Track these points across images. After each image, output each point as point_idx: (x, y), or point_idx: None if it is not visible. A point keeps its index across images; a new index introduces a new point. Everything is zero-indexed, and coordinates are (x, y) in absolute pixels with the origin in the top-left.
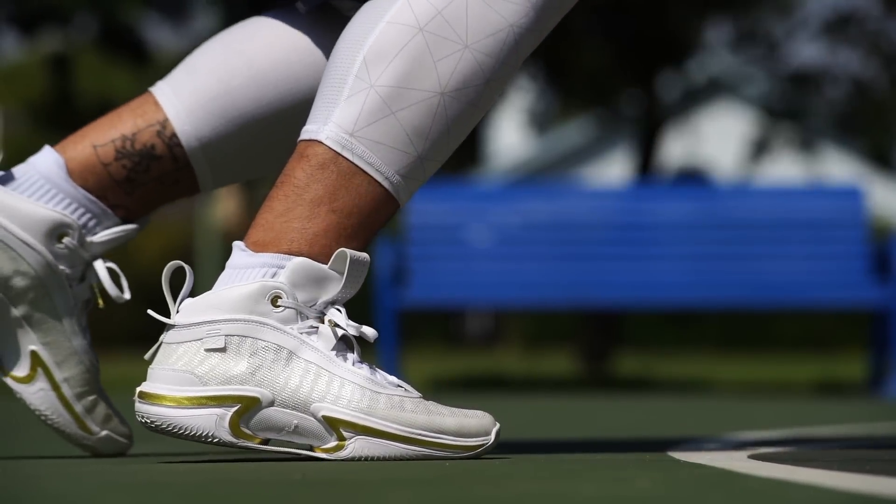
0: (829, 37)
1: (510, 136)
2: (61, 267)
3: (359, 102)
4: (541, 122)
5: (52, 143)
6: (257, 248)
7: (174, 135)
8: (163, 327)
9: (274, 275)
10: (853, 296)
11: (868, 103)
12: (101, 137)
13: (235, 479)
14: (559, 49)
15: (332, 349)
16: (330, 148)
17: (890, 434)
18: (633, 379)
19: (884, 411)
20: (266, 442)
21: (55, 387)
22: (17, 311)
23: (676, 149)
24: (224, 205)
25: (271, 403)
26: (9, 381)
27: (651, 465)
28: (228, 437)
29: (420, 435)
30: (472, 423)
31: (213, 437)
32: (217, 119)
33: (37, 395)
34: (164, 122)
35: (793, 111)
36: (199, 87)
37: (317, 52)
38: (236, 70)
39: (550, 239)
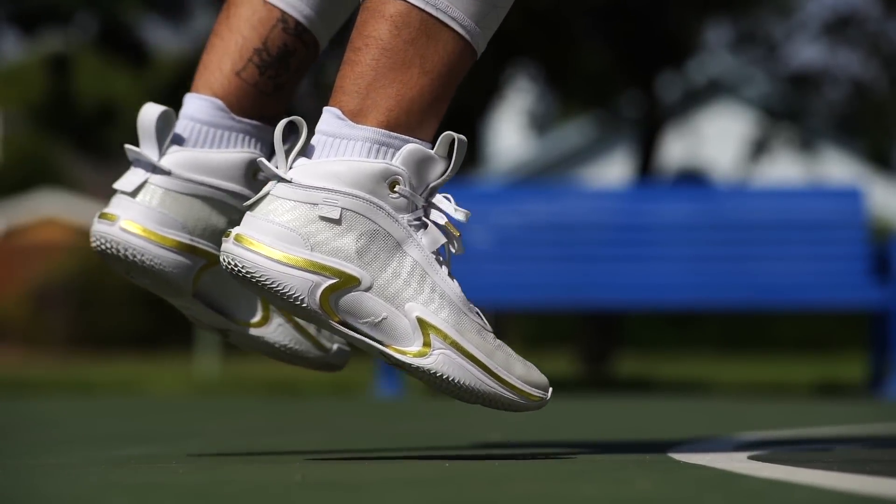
0: (828, 38)
1: (510, 138)
2: None
3: None
4: (541, 123)
5: (52, 145)
6: (356, 117)
7: (298, 23)
8: (158, 330)
9: (386, 154)
10: (853, 297)
11: (868, 104)
12: (238, 61)
13: (235, 480)
14: (559, 50)
15: (433, 252)
16: (413, 4)
17: (890, 435)
18: (634, 380)
19: (884, 412)
20: (343, 324)
21: (289, 318)
22: None
23: (676, 150)
24: None
25: (368, 288)
26: (249, 330)
27: (651, 466)
28: (315, 307)
29: (497, 369)
30: (535, 375)
31: (302, 300)
32: None
33: (277, 331)
34: (284, 17)
35: (793, 112)
36: None
37: None
38: None
39: (550, 240)
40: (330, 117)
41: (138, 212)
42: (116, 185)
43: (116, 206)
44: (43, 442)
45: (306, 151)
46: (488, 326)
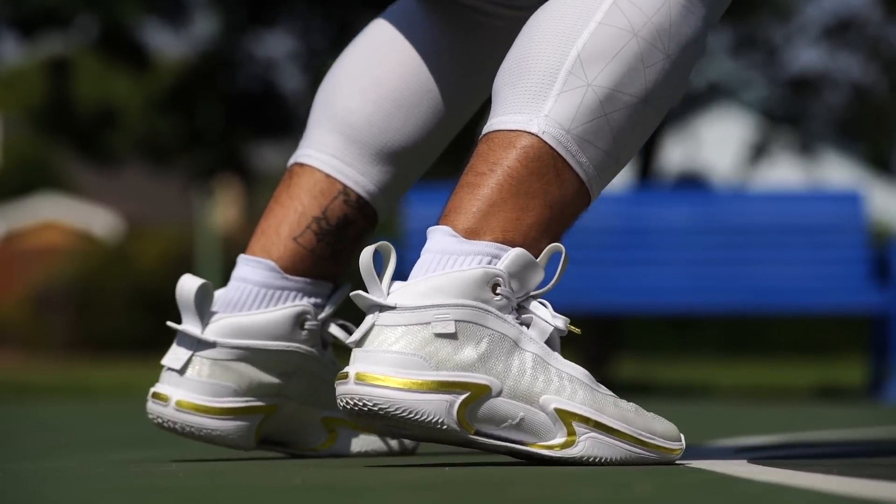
0: (828, 42)
1: None
2: (314, 348)
3: (575, 99)
4: None
5: (52, 149)
6: (470, 235)
7: (359, 197)
8: (158, 333)
9: (489, 262)
10: (853, 300)
11: (867, 108)
12: (297, 227)
13: (236, 483)
14: None
15: (546, 342)
16: (545, 142)
17: (890, 438)
18: (633, 383)
19: (883, 416)
20: (481, 434)
21: (353, 427)
22: (296, 402)
23: (676, 154)
24: (223, 211)
25: (499, 393)
26: (317, 453)
27: (651, 470)
28: (454, 425)
29: (641, 435)
30: (669, 427)
31: (443, 423)
32: (387, 164)
33: (347, 443)
34: (346, 191)
35: (792, 116)
36: (360, 143)
37: (445, 51)
38: (387, 111)
39: None
40: (440, 236)
41: (189, 388)
42: (164, 362)
43: (167, 383)
44: (42, 445)
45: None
46: (614, 393)
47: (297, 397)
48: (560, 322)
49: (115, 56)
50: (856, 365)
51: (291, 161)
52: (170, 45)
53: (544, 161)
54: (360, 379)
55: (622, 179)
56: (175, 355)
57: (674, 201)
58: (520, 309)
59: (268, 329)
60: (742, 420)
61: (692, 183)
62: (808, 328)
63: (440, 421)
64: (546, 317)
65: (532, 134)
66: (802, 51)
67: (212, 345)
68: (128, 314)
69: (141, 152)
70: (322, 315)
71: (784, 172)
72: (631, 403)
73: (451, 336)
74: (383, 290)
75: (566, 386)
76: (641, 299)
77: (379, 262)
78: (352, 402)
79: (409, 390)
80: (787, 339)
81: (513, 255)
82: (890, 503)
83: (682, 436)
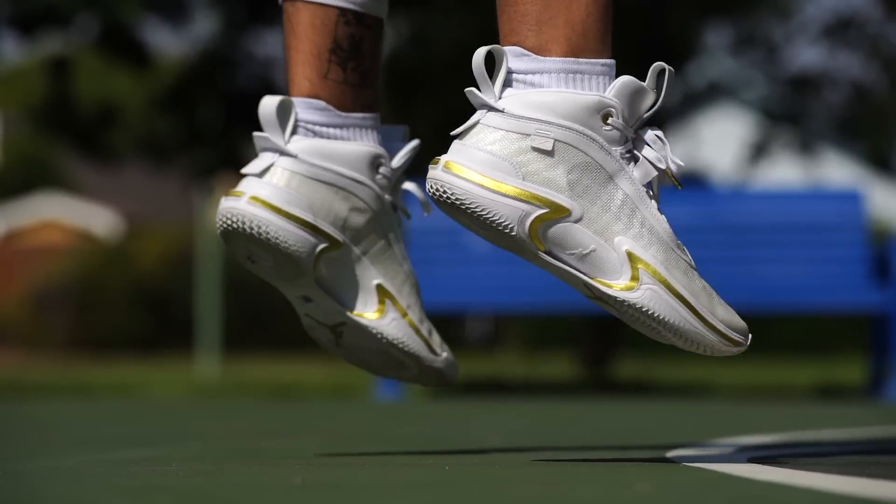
0: (828, 40)
1: None
2: (386, 195)
3: None
4: None
5: (52, 147)
6: (539, 52)
7: (355, 13)
8: (158, 332)
9: (583, 81)
10: (853, 299)
11: (868, 107)
12: (320, 66)
13: (236, 483)
14: None
15: (645, 185)
16: None
17: (890, 438)
18: (633, 383)
19: (884, 415)
20: (550, 254)
21: (403, 314)
22: (358, 250)
23: (676, 152)
24: None
25: (578, 220)
26: (360, 320)
27: (651, 469)
28: (524, 235)
29: (702, 310)
30: (736, 319)
31: (512, 228)
32: None
33: (391, 325)
34: (342, 12)
35: (792, 115)
36: None
37: None
38: None
39: None
40: (513, 55)
41: (265, 189)
42: (245, 170)
43: (244, 185)
44: (43, 444)
45: (509, 84)
46: (694, 265)
47: (360, 244)
48: (673, 166)
49: (116, 55)
50: (856, 364)
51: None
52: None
53: None
54: (447, 167)
55: None
56: (256, 163)
57: (673, 200)
58: (634, 144)
59: (347, 159)
60: (742, 419)
61: (692, 182)
62: (809, 327)
63: (511, 226)
64: (655, 158)
65: None
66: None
67: (293, 156)
68: (128, 313)
69: (141, 151)
70: (394, 164)
71: (784, 171)
72: (704, 282)
73: (547, 153)
74: (495, 92)
75: (645, 234)
76: None
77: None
78: (434, 187)
79: (489, 190)
80: (788, 338)
81: (619, 83)
82: (890, 502)
83: (750, 336)
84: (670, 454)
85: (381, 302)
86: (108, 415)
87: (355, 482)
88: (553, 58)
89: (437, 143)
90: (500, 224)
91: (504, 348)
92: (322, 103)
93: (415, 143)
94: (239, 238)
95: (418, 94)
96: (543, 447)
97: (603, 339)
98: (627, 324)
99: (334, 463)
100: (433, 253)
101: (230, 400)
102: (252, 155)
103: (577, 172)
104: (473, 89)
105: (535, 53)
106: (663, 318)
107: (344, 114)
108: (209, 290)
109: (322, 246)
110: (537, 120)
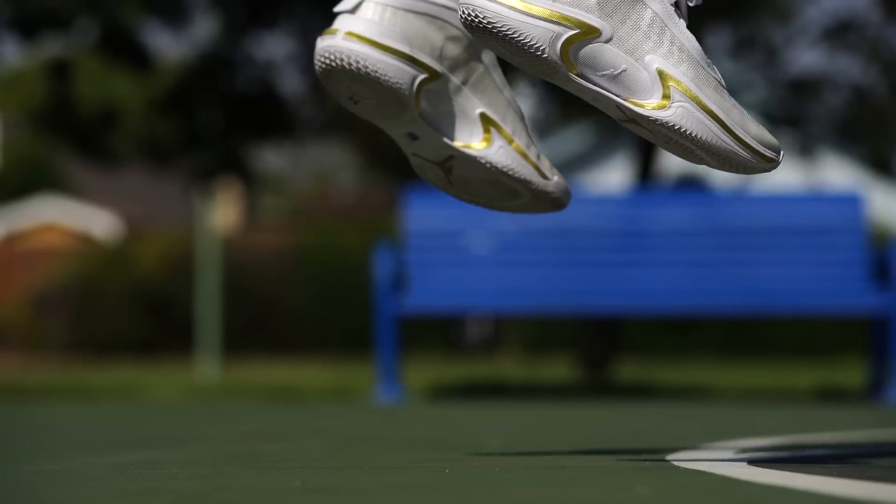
0: (828, 43)
1: None
2: None
3: None
4: (540, 128)
5: (52, 150)
6: None
7: None
8: (158, 335)
9: None
10: (853, 302)
11: (868, 110)
12: None
13: (235, 485)
14: None
15: (672, 3)
16: None
17: (889, 441)
18: (633, 386)
19: (883, 418)
20: (581, 77)
21: (510, 140)
22: (456, 79)
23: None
24: (224, 212)
25: (608, 40)
26: (467, 151)
27: (651, 472)
28: (555, 57)
29: (734, 126)
30: (767, 135)
31: (543, 51)
32: None
33: (499, 153)
34: None
35: (792, 118)
36: None
37: None
38: None
39: (550, 245)
40: None
41: (359, 23)
42: (337, 8)
43: (338, 22)
44: (43, 447)
45: None
46: (724, 83)
47: (458, 72)
48: None
49: (116, 57)
50: (856, 367)
51: None
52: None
53: None
54: None
55: (622, 181)
56: (347, 0)
57: (674, 203)
58: None
59: None
60: (742, 422)
61: (692, 185)
62: (808, 330)
63: (542, 48)
64: None
65: None
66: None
67: None
68: (128, 316)
69: (141, 154)
70: None
71: (784, 174)
72: (734, 100)
73: None
74: None
75: (675, 52)
76: (641, 301)
77: None
78: (466, 12)
79: (520, 12)
80: (787, 341)
81: None
82: None
83: (782, 153)
84: (670, 457)
85: (487, 131)
86: (108, 417)
87: (355, 485)
88: None
89: None
90: (531, 46)
91: (504, 351)
92: None
93: None
94: (339, 76)
95: None
96: (543, 450)
97: (602, 342)
98: (660, 146)
99: (334, 466)
100: (433, 255)
101: (230, 403)
102: (253, 160)
103: None
104: None
105: None
106: (696, 136)
107: None
108: (209, 292)
109: (421, 77)
110: None
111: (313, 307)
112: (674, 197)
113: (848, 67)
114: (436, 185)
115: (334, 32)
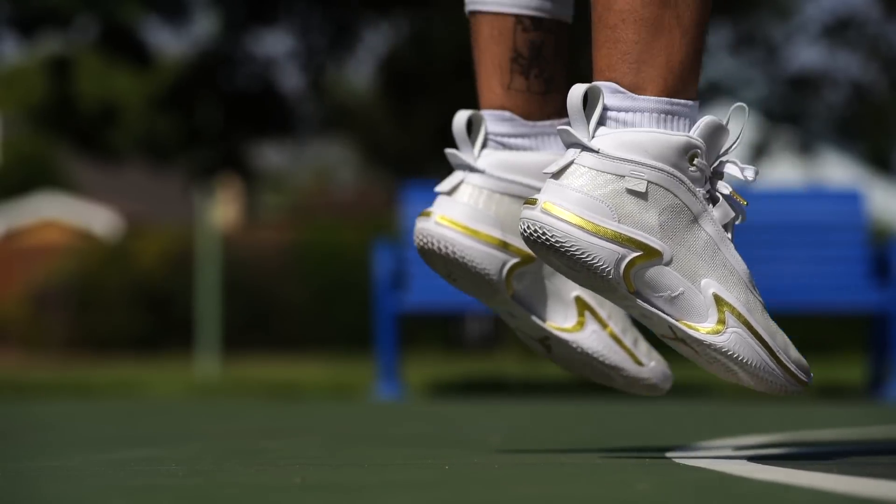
0: (828, 40)
1: None
2: None
3: None
4: None
5: (52, 147)
6: (636, 90)
7: (532, 18)
8: (158, 332)
9: (675, 122)
10: (853, 299)
11: (867, 107)
12: (502, 77)
13: (235, 482)
14: None
15: (724, 225)
16: None
17: (889, 438)
18: None
19: (883, 415)
20: (639, 297)
21: (604, 325)
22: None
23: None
24: (224, 209)
25: (668, 263)
26: (560, 334)
27: (651, 469)
28: (619, 278)
29: (779, 352)
30: (802, 359)
31: (609, 272)
32: None
33: (591, 338)
34: (519, 20)
35: (792, 115)
36: None
37: None
38: None
39: None
40: (608, 92)
41: (452, 207)
42: (437, 188)
43: (435, 204)
44: (42, 445)
45: (603, 122)
46: (765, 304)
47: None
48: (750, 172)
49: (116, 54)
50: (855, 364)
51: (467, 9)
52: (170, 43)
53: None
54: (546, 209)
55: None
56: (448, 181)
57: None
58: (713, 180)
59: (535, 169)
60: (741, 419)
61: None
62: (808, 327)
63: (608, 270)
64: (737, 172)
65: None
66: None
67: (481, 172)
68: (128, 313)
69: (141, 151)
70: None
71: (784, 171)
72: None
73: (641, 195)
74: (589, 131)
75: (728, 276)
76: None
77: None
78: (531, 229)
79: (588, 232)
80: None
81: (703, 123)
82: (890, 502)
83: (812, 374)
84: (670, 454)
85: (581, 314)
86: (108, 415)
87: (355, 482)
88: (648, 97)
89: (437, 144)
90: (597, 267)
91: (503, 348)
92: (508, 114)
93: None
94: (434, 257)
95: (418, 94)
96: (543, 447)
97: None
98: (700, 364)
99: (334, 463)
100: None
101: (230, 400)
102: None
103: (668, 214)
104: (567, 127)
105: (631, 91)
106: (746, 361)
107: (531, 123)
108: (209, 289)
109: (512, 262)
110: (631, 161)
111: (313, 304)
112: None
113: (847, 64)
114: (540, 355)
115: (429, 215)
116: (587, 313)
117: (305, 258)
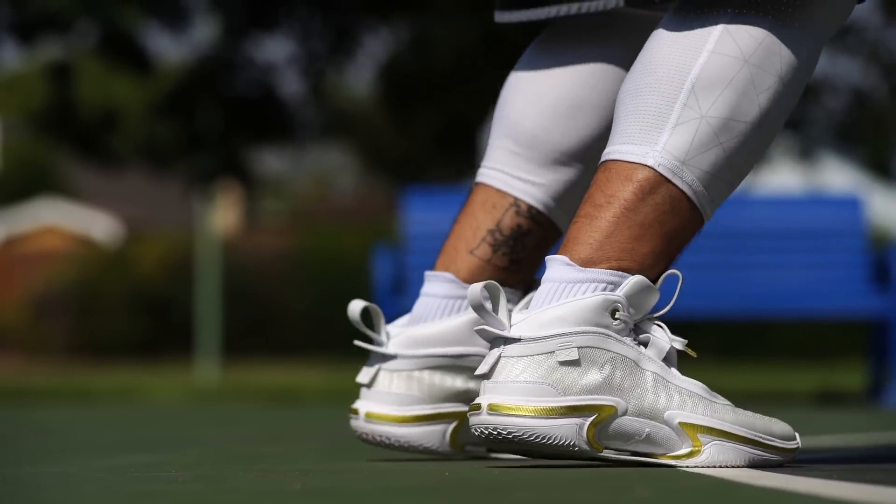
0: (828, 46)
1: None
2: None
3: (690, 131)
4: None
5: (52, 153)
6: (587, 264)
7: (530, 207)
8: (158, 338)
9: (605, 289)
10: (852, 305)
11: (867, 112)
12: (472, 241)
13: (235, 488)
14: None
15: (664, 360)
16: (661, 175)
17: (889, 444)
18: None
19: (883, 421)
20: (612, 450)
21: None
22: None
23: None
24: (223, 215)
25: (625, 412)
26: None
27: (651, 474)
28: (586, 446)
29: (759, 437)
30: (784, 427)
31: (574, 445)
32: (557, 171)
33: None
34: (517, 203)
35: (792, 120)
36: (527, 153)
37: (601, 66)
38: (553, 119)
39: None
40: (558, 265)
41: (376, 399)
42: (357, 380)
43: (360, 399)
44: (42, 450)
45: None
46: (729, 402)
47: None
48: (678, 343)
49: (116, 60)
50: (855, 369)
51: (474, 180)
52: (170, 49)
53: (660, 193)
54: (492, 409)
55: None
56: (365, 372)
57: None
58: (637, 330)
59: (446, 336)
60: None
61: None
62: (808, 333)
63: (572, 443)
64: (663, 336)
65: (648, 167)
66: None
67: (392, 357)
68: (127, 318)
69: (141, 156)
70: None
71: (784, 177)
72: (747, 411)
73: (575, 362)
74: (504, 323)
75: (686, 401)
76: None
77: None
78: (486, 431)
79: (541, 416)
80: (787, 344)
81: (631, 282)
82: None
83: (797, 434)
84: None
85: None
86: (108, 420)
87: (355, 487)
88: (595, 269)
89: (437, 149)
90: (561, 444)
91: None
92: (450, 276)
93: (525, 300)
94: (379, 446)
95: (418, 99)
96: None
97: None
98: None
99: (334, 468)
100: (432, 258)
101: (230, 405)
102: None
103: (608, 369)
104: (484, 326)
105: (580, 265)
106: (734, 464)
107: (466, 286)
108: (209, 295)
109: (451, 427)
110: (555, 335)
111: (313, 310)
112: None
113: (848, 70)
114: None
115: (357, 412)
116: None
117: (305, 264)
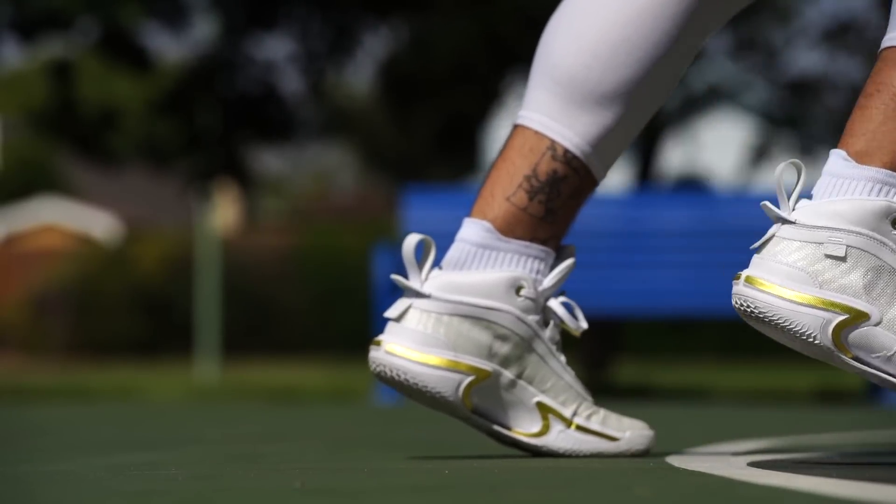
0: (828, 44)
1: None
2: (529, 317)
3: None
4: None
5: (52, 151)
6: (862, 158)
7: (566, 151)
8: (158, 336)
9: (889, 192)
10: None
11: None
12: (508, 187)
13: (235, 487)
14: None
15: None
16: None
17: (889, 442)
18: (633, 386)
19: (883, 420)
20: (856, 360)
21: (568, 423)
22: (510, 373)
23: (676, 156)
24: (223, 214)
25: (878, 323)
26: (527, 441)
27: (651, 473)
28: (827, 343)
29: None
30: None
31: (815, 337)
32: (595, 114)
33: (558, 438)
34: (553, 146)
35: (792, 119)
36: (567, 94)
37: (643, 5)
38: (589, 64)
39: None
40: (836, 159)
41: (401, 335)
42: (386, 313)
43: (385, 332)
44: (42, 449)
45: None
46: None
47: (511, 367)
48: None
49: (117, 58)
50: None
51: (514, 122)
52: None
53: None
54: (749, 282)
55: (622, 182)
56: (395, 306)
57: (674, 204)
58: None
59: (481, 289)
60: (742, 423)
61: (692, 185)
62: None
63: (814, 335)
64: None
65: None
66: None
67: (426, 296)
68: (127, 317)
69: (141, 155)
70: (542, 287)
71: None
72: None
73: (841, 259)
74: (789, 205)
75: None
76: (642, 302)
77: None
78: (738, 302)
79: (791, 301)
80: None
81: None
82: None
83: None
84: (669, 458)
85: (545, 418)
86: (107, 419)
87: (355, 486)
88: (870, 167)
89: (437, 148)
90: (803, 334)
91: None
92: (488, 225)
93: (568, 262)
94: (392, 383)
95: (418, 98)
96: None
97: (602, 343)
98: None
99: (334, 467)
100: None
101: (229, 404)
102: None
103: (872, 276)
104: (769, 203)
105: (857, 160)
106: None
107: (506, 239)
108: (208, 293)
109: (468, 380)
110: (829, 228)
111: (313, 308)
112: (674, 198)
113: (847, 68)
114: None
115: (379, 344)
116: (551, 416)
117: (305, 262)
